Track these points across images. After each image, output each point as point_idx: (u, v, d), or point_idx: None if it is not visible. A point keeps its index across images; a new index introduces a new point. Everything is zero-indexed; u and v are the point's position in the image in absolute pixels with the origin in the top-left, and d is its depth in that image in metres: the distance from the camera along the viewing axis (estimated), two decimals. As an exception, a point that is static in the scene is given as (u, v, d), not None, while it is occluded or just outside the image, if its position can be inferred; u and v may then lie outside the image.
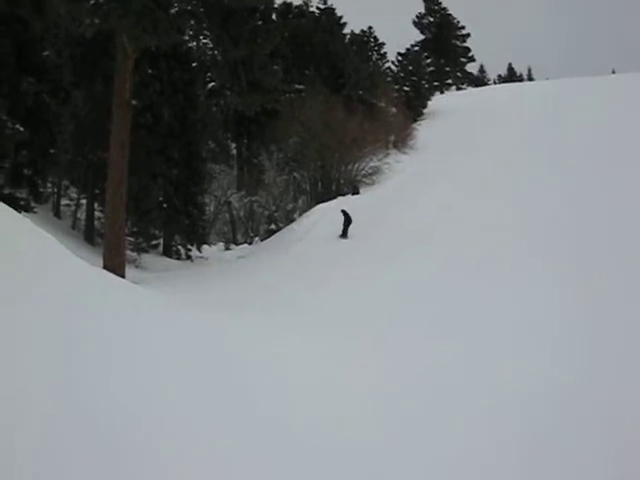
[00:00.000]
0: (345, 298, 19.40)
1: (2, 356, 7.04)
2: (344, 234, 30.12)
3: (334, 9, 63.29)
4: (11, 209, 12.58)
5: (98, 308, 9.85)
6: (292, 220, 40.58)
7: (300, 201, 45.44)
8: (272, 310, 18.27)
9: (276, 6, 52.95)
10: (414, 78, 64.73)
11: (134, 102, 28.26)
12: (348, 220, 30.27)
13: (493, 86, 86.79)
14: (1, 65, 27.27)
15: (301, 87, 52.53)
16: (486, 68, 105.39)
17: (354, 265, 24.01)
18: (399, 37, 76.83)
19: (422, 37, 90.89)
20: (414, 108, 58.64)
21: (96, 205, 35.22)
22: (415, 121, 56.00)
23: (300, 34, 57.34)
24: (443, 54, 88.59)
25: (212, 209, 47.25)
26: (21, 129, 27.38)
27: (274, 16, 51.59)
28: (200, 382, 9.15)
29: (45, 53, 29.23)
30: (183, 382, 8.88)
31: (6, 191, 28.12)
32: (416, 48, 79.62)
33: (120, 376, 8.08)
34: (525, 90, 65.80)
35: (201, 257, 38.79)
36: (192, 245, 38.55)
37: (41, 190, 31.33)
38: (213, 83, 47.53)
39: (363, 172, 42.69)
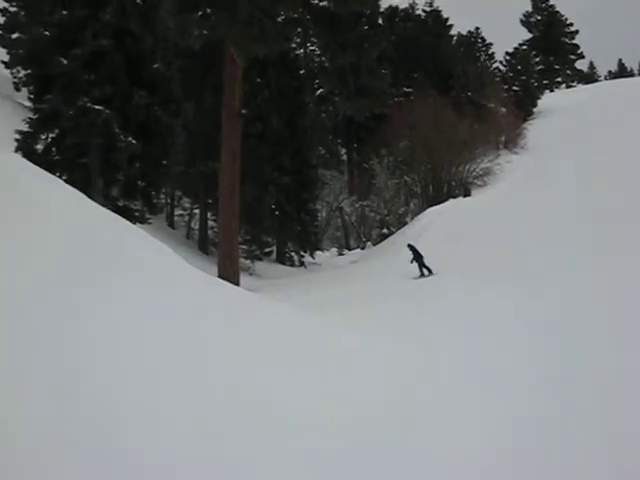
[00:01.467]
0: (466, 299, 18.43)
1: (137, 359, 7.39)
2: (423, 271, 23.60)
3: (440, 11, 62.68)
4: (126, 220, 12.88)
5: (216, 314, 10.21)
6: (404, 224, 39.92)
7: (411, 204, 44.69)
8: (384, 315, 17.58)
9: (382, 10, 52.61)
10: (523, 77, 63.27)
11: (244, 111, 28.11)
12: (418, 255, 23.71)
13: (604, 82, 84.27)
14: (113, 79, 27.50)
15: (409, 90, 52.01)
16: (596, 65, 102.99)
17: (471, 269, 22.95)
18: (506, 37, 75.51)
19: (530, 35, 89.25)
20: (524, 107, 57.25)
21: (209, 214, 35.42)
22: (525, 120, 54.62)
23: (407, 37, 56.86)
24: (552, 52, 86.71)
25: (324, 215, 46.96)
26: (134, 142, 27.55)
27: (380, 20, 51.29)
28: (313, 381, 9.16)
29: (155, 66, 29.30)
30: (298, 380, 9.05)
31: (121, 203, 28.33)
32: (524, 47, 77.87)
33: (244, 373, 8.50)
34: (637, 86, 63.38)
35: (314, 263, 38.45)
36: (305, 251, 38.29)
37: (155, 201, 31.49)
38: (322, 89, 47.31)
39: (474, 174, 41.75)
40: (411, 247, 24.18)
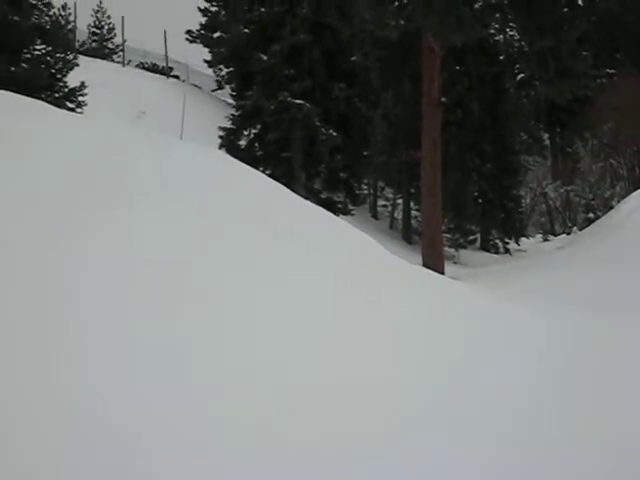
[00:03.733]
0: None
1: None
2: None
3: (641, -12, 59.12)
4: (329, 212, 13.11)
5: (424, 303, 9.99)
6: (610, 207, 37.63)
7: (618, 187, 42.18)
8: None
9: (581, -9, 50.26)
10: None
11: (443, 99, 27.32)
12: None
13: None
14: (312, 73, 27.44)
15: (612, 71, 49.32)
16: None
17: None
18: None
19: None
20: None
21: (412, 204, 34.76)
22: None
23: (607, 17, 53.97)
24: None
25: (528, 201, 45.22)
26: (334, 134, 27.42)
27: (580, 1, 48.90)
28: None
29: (353, 58, 28.88)
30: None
31: (324, 195, 28.24)
32: None
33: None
34: None
35: (519, 250, 36.87)
36: (509, 238, 36.78)
37: (357, 192, 31.24)
38: (522, 74, 45.37)
39: (685, 153, 38.94)
40: None
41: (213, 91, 41.40)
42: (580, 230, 39.35)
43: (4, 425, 4.63)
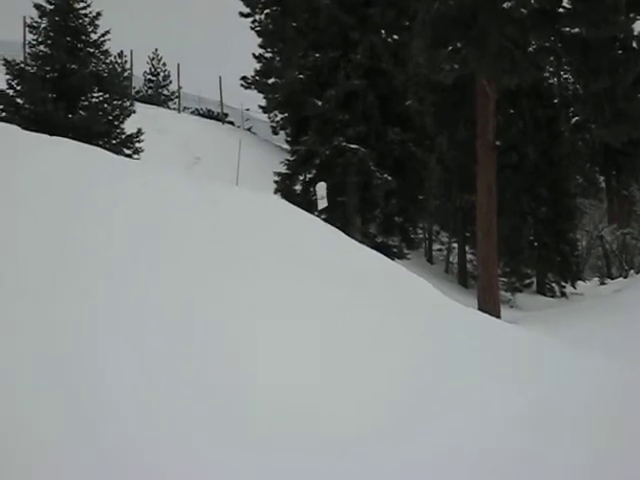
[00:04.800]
0: None
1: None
2: None
3: (698, 31, 58.46)
4: (384, 256, 13.07)
5: (477, 348, 9.50)
6: (669, 251, 37.04)
7: (677, 231, 41.57)
8: None
9: (636, 34, 49.71)
10: None
11: (498, 143, 27.05)
12: None
13: None
14: (368, 117, 27.48)
15: (668, 114, 48.68)
16: None
17: None
18: None
19: None
20: None
21: (467, 248, 34.50)
22: None
23: (663, 59, 53.43)
24: None
25: (584, 244, 44.65)
26: (389, 178, 27.34)
27: (634, 44, 48.44)
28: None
29: (407, 102, 28.81)
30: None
31: (379, 239, 28.08)
32: None
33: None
34: None
35: (576, 293, 36.27)
36: (566, 282, 36.21)
37: (412, 236, 31.03)
38: (576, 117, 44.97)
39: None
40: None
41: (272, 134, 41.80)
42: (637, 273, 38.71)
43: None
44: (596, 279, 43.07)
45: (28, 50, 24.76)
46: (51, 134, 13.37)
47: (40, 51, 23.25)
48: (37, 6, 23.46)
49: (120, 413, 5.29)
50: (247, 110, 45.30)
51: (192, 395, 5.80)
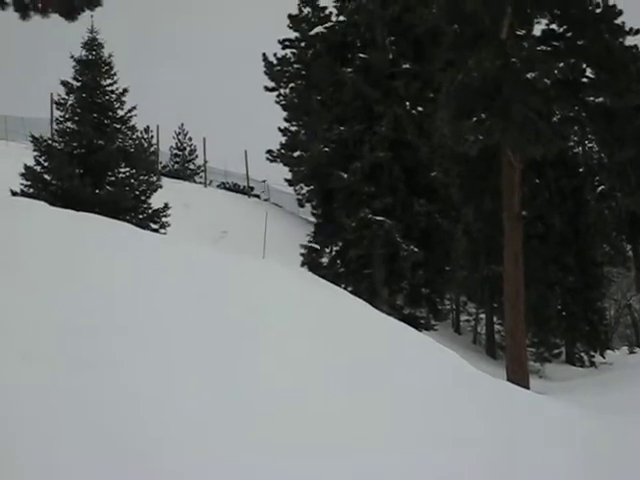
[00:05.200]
0: None
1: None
2: None
3: None
4: (412, 328, 13.21)
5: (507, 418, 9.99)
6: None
7: None
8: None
9: (660, 103, 49.88)
10: None
11: (524, 213, 27.02)
12: None
13: None
14: (393, 189, 27.57)
15: (693, 182, 48.51)
16: None
17: None
18: None
19: None
20: None
21: (495, 318, 34.23)
22: None
23: (688, 128, 53.42)
24: None
25: (612, 313, 44.34)
26: (416, 250, 27.27)
27: (659, 112, 48.55)
28: None
29: (433, 174, 28.90)
30: None
31: (406, 311, 27.96)
32: None
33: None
34: None
35: (605, 363, 35.82)
36: (595, 351, 35.80)
37: (439, 307, 30.86)
38: (602, 186, 44.94)
39: None
40: None
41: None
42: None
43: None
44: (625, 348, 42.67)
45: (55, 127, 24.98)
46: (78, 210, 13.46)
47: (67, 127, 23.54)
48: (64, 83, 23.82)
49: None
50: (272, 183, 45.64)
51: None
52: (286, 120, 41.24)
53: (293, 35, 40.82)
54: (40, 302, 7.68)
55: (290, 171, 41.09)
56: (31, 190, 21.90)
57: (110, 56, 24.19)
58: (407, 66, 30.01)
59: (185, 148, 50.72)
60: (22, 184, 22.18)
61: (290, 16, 40.29)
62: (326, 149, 29.31)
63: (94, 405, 5.92)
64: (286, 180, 42.27)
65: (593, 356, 35.79)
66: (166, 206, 24.45)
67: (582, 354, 36.13)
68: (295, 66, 40.93)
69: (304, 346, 9.32)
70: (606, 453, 9.84)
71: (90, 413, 5.81)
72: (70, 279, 8.67)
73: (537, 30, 25.12)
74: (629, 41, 25.44)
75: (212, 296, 9.72)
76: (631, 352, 41.29)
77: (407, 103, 29.73)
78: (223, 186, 44.98)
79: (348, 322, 11.29)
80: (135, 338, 7.58)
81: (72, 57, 23.82)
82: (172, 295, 9.20)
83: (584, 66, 25.95)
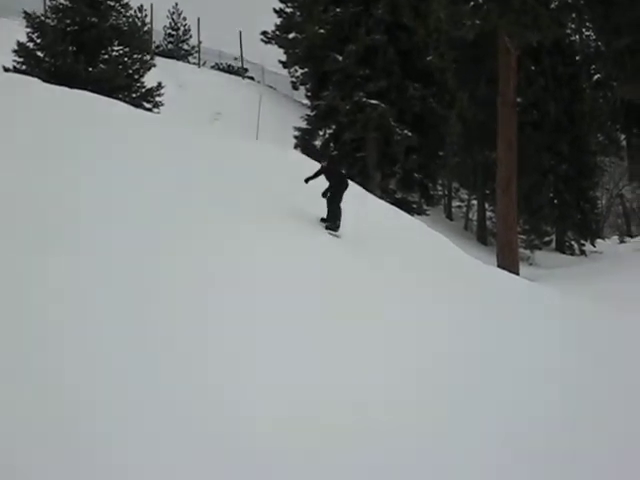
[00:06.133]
0: None
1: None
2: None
3: None
4: (404, 212, 13.91)
5: (499, 305, 10.23)
6: (691, 209, 36.81)
7: (697, 189, 41.27)
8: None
9: (659, -9, 49.02)
10: None
11: (519, 100, 27.00)
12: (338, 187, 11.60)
13: None
14: (387, 73, 27.38)
15: (692, 71, 48.02)
16: None
17: None
18: None
19: None
20: None
21: (487, 205, 34.37)
22: None
23: (687, 16, 52.61)
24: None
25: (604, 202, 44.46)
26: (410, 134, 27.22)
27: (658, 0, 47.75)
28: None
29: (428, 58, 28.62)
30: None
31: (398, 195, 27.98)
32: None
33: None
34: None
35: (595, 251, 36.15)
36: (585, 240, 36.05)
37: (432, 193, 30.96)
38: (598, 75, 44.56)
39: None
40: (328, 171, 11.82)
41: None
42: (657, 232, 38.60)
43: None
44: (615, 237, 42.99)
45: (48, 3, 24.57)
46: (71, 87, 13.44)
47: (60, 4, 23.10)
48: (58, -41, 23.30)
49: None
50: (267, 65, 45.16)
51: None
52: (281, 1, 40.52)
53: None
54: (24, 173, 7.82)
55: (285, 53, 40.56)
56: (24, 67, 21.66)
57: None
58: (406, -53, 29.42)
59: (179, 28, 49.85)
60: (15, 61, 21.93)
61: None
62: (321, 31, 28.95)
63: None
64: (280, 62, 41.80)
65: (583, 245, 36.05)
66: (159, 85, 24.27)
67: (572, 242, 36.39)
68: (292, -55, 40.08)
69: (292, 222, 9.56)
70: (604, 338, 10.04)
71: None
72: (66, 153, 8.79)
73: None
74: None
75: (209, 171, 9.89)
76: (621, 241, 41.61)
77: (404, -15, 29.25)
78: (217, 67, 44.47)
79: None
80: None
81: None
82: (170, 170, 9.34)
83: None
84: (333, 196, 11.21)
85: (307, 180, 11.38)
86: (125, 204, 8.01)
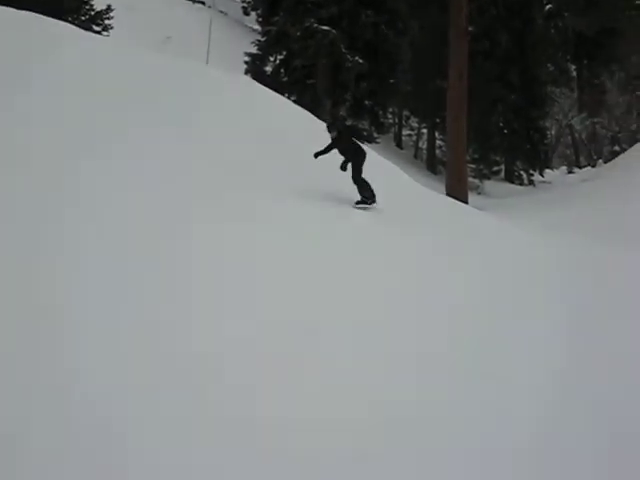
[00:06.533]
0: None
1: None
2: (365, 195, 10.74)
3: None
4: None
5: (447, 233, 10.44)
6: (636, 140, 37.11)
7: (644, 120, 41.58)
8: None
9: None
10: None
11: (470, 29, 26.91)
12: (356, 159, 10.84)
13: None
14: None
15: (642, 3, 48.14)
16: None
17: None
18: None
19: None
20: None
21: (437, 134, 34.48)
22: None
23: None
24: None
25: (553, 133, 44.74)
26: (361, 61, 27.12)
27: None
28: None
29: None
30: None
31: (348, 122, 27.86)
32: None
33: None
34: None
35: (544, 182, 36.54)
36: (534, 170, 36.40)
37: (382, 121, 30.90)
38: (550, 5, 44.52)
39: None
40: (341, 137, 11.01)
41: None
42: (605, 163, 38.91)
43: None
44: (564, 168, 43.36)
45: None
46: (18, 8, 13.19)
47: None
48: None
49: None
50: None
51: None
52: None
53: None
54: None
55: (235, -23, 40.12)
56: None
57: None
58: None
59: (128, -52, 48.82)
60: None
61: None
62: (273, -46, 28.49)
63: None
64: (231, -14, 41.30)
65: (532, 175, 36.40)
66: (109, 8, 23.97)
67: (521, 172, 36.74)
68: None
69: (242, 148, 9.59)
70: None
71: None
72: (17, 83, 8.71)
73: None
74: None
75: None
76: (570, 172, 41.94)
77: None
78: (166, -10, 43.70)
79: (295, 132, 11.44)
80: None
81: None
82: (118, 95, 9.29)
83: None
84: (355, 170, 10.45)
85: (317, 155, 10.49)
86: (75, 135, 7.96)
